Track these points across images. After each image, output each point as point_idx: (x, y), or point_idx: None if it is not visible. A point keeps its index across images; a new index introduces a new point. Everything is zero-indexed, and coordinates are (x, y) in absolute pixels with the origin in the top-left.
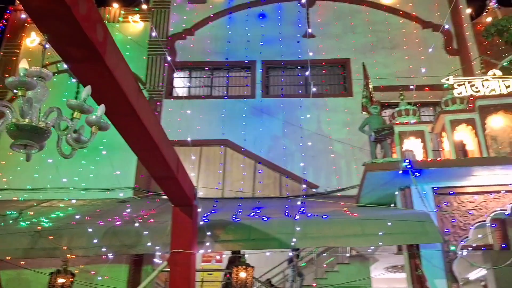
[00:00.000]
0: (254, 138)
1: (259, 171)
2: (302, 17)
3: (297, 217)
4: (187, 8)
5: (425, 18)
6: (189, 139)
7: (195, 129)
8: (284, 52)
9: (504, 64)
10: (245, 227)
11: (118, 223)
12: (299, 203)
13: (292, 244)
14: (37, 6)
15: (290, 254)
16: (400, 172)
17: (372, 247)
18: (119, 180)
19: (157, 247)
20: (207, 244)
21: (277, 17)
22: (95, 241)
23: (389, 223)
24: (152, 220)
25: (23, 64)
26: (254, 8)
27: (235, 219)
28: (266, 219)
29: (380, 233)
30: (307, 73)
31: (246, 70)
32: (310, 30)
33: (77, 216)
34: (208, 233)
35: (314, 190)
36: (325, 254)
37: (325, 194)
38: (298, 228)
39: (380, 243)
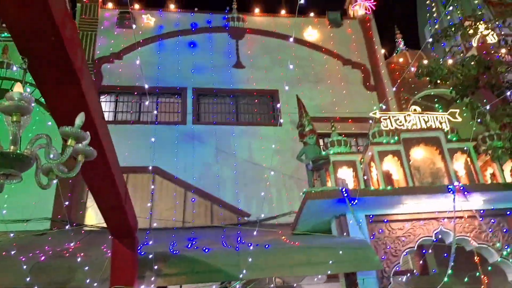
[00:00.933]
0: (186, 166)
1: (192, 199)
2: (232, 48)
3: (240, 247)
4: (115, 32)
5: (345, 56)
6: None
7: (122, 155)
8: (215, 80)
9: (416, 99)
10: (187, 259)
11: (42, 258)
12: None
13: (241, 276)
14: (24, 26)
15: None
16: (338, 200)
17: (305, 276)
18: (35, 210)
19: (95, 284)
20: (151, 279)
21: (208, 46)
22: (28, 279)
23: (334, 251)
24: (83, 253)
25: (17, 88)
26: (185, 36)
27: (174, 251)
28: (206, 250)
29: (327, 261)
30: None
31: (177, 96)
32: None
33: None
34: (149, 267)
35: (246, 218)
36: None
37: (257, 222)
38: (250, 259)
39: (329, 271)
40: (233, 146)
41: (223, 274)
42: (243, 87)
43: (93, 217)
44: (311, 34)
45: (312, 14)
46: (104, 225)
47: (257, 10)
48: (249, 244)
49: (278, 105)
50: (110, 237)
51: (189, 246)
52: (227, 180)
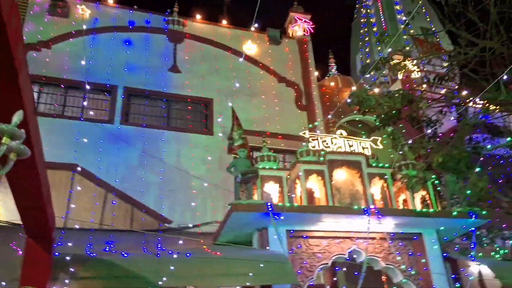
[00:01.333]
0: (109, 166)
1: (113, 202)
2: (170, 52)
3: (161, 254)
4: (46, 19)
5: (281, 73)
6: None
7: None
8: (149, 82)
9: (342, 123)
10: (105, 263)
11: None
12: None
13: (160, 283)
14: None
15: None
16: (262, 214)
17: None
18: None
19: (3, 283)
20: (65, 281)
21: (144, 46)
22: None
23: (254, 264)
24: None
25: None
26: (121, 33)
27: (91, 254)
28: (126, 255)
29: (246, 273)
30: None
31: (107, 94)
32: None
33: None
34: (64, 269)
35: (167, 225)
36: None
37: (179, 229)
38: (172, 268)
39: (247, 283)
40: (161, 151)
41: (143, 280)
42: (177, 92)
43: (2, 213)
44: (250, 48)
45: (253, 29)
46: (16, 221)
47: (198, 17)
48: (170, 252)
49: (213, 114)
50: (22, 235)
51: (107, 249)
52: (152, 185)
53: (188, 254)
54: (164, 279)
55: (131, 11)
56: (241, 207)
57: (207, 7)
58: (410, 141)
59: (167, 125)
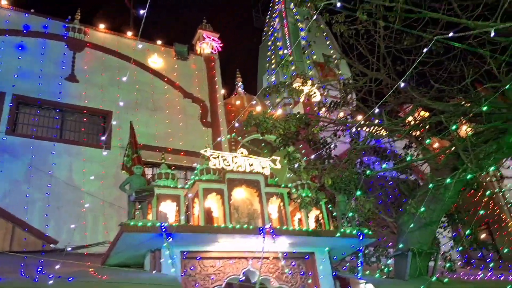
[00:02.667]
0: None
1: None
2: (68, 60)
3: (39, 278)
4: None
5: (186, 89)
6: None
7: None
8: (42, 90)
9: (244, 142)
10: None
11: None
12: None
13: None
14: None
15: None
16: (155, 235)
17: None
18: None
19: None
20: None
21: (39, 52)
22: None
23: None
24: None
25: None
26: (14, 37)
27: None
28: None
29: None
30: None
31: None
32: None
33: None
34: None
35: (52, 245)
36: None
37: (65, 251)
38: None
39: None
40: (51, 165)
41: None
42: (73, 102)
43: None
44: (156, 61)
45: (159, 42)
46: None
47: (102, 26)
48: (50, 276)
49: (111, 128)
50: None
51: None
52: (38, 202)
53: (70, 279)
54: None
55: (26, 14)
56: (132, 228)
57: (112, 17)
58: (305, 161)
59: (59, 137)
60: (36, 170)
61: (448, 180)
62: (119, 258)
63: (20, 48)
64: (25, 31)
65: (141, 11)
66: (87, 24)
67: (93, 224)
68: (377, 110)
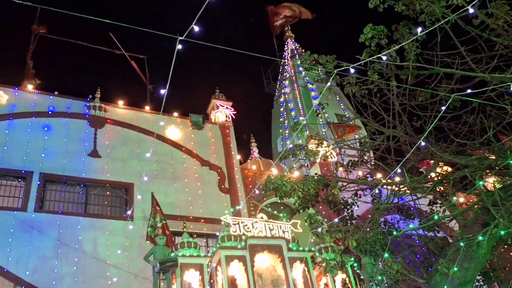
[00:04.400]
0: (19, 258)
1: None
2: (90, 136)
3: None
4: None
5: (203, 157)
6: None
7: None
8: (67, 167)
9: (263, 206)
10: None
11: None
12: None
13: None
14: None
15: None
16: None
17: None
18: None
19: None
20: None
21: (63, 131)
22: None
23: None
24: None
25: None
26: (40, 118)
27: None
28: None
29: None
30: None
31: (21, 180)
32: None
33: None
34: None
35: None
36: None
37: None
38: None
39: None
40: (77, 239)
41: None
42: (96, 177)
43: None
44: (173, 132)
45: (176, 114)
46: None
47: (121, 102)
48: None
49: (133, 199)
50: None
51: None
52: (66, 276)
53: None
54: None
55: (51, 97)
56: None
57: (129, 93)
58: (327, 223)
59: (84, 212)
60: (63, 245)
61: (480, 238)
62: None
63: (45, 129)
64: (50, 112)
65: (161, 91)
66: (107, 102)
67: None
68: (398, 170)
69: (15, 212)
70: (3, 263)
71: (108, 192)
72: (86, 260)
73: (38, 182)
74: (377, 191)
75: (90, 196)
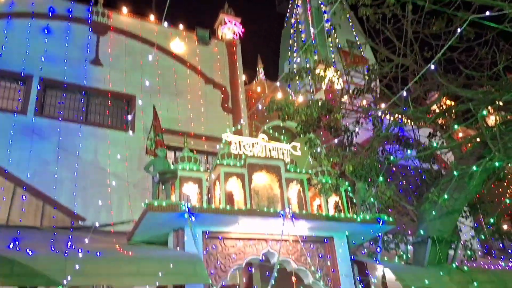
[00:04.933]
0: (20, 160)
1: (22, 197)
2: (92, 44)
3: (69, 253)
4: None
5: (208, 74)
6: None
7: None
8: (68, 73)
9: (265, 128)
10: (6, 260)
11: None
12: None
13: (65, 282)
14: None
15: None
16: (178, 215)
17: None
18: None
19: None
20: None
21: (64, 36)
22: None
23: (165, 264)
24: None
25: None
26: (40, 20)
27: None
28: (31, 253)
29: (156, 273)
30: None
31: (20, 83)
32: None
33: None
34: None
35: (81, 223)
36: None
37: (92, 228)
38: (77, 266)
39: (157, 283)
40: (78, 146)
41: (46, 278)
42: (97, 86)
43: None
44: (178, 46)
45: (181, 27)
46: None
47: (125, 10)
48: (79, 250)
49: (133, 111)
50: None
51: (11, 246)
52: (66, 181)
53: (98, 253)
54: (69, 277)
55: None
56: (156, 207)
57: (134, 1)
58: (326, 148)
59: (85, 120)
60: (63, 151)
61: (474, 168)
62: (143, 236)
63: (46, 31)
64: (50, 14)
65: None
66: (111, 8)
67: (118, 204)
68: (404, 94)
69: (15, 114)
70: (4, 164)
71: (109, 102)
72: (85, 167)
73: (38, 87)
74: (379, 119)
75: (91, 105)
